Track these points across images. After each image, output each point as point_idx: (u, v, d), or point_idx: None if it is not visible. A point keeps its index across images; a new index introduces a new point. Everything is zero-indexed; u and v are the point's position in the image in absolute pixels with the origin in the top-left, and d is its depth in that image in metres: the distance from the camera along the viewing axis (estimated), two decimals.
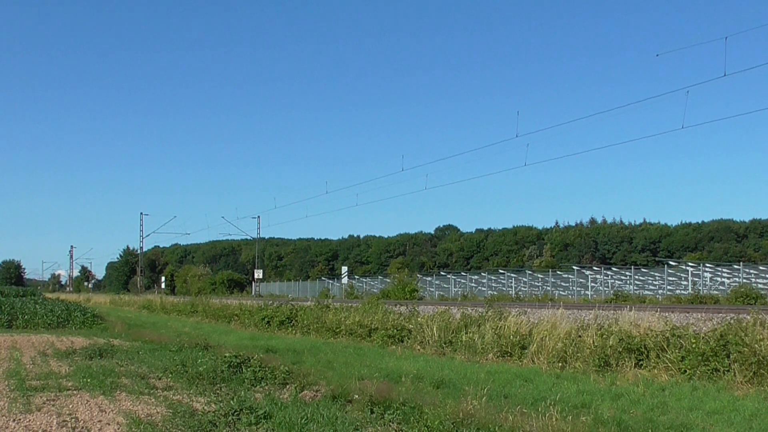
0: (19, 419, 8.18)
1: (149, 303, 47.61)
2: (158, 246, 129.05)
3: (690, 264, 48.84)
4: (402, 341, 17.77)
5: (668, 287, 44.79)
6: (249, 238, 77.73)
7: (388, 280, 52.73)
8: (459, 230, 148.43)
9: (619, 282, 50.67)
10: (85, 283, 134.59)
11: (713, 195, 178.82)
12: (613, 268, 57.99)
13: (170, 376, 11.81)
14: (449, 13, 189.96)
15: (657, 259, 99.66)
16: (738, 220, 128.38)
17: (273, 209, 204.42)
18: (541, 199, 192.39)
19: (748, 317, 12.15)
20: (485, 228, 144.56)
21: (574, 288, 49.01)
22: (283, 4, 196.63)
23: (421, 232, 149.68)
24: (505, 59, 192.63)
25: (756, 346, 10.85)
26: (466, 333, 15.95)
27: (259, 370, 11.46)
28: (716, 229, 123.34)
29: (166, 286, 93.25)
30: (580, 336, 13.72)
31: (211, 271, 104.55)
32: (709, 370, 11.22)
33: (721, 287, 43.14)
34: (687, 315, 14.73)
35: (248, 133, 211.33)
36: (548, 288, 50.69)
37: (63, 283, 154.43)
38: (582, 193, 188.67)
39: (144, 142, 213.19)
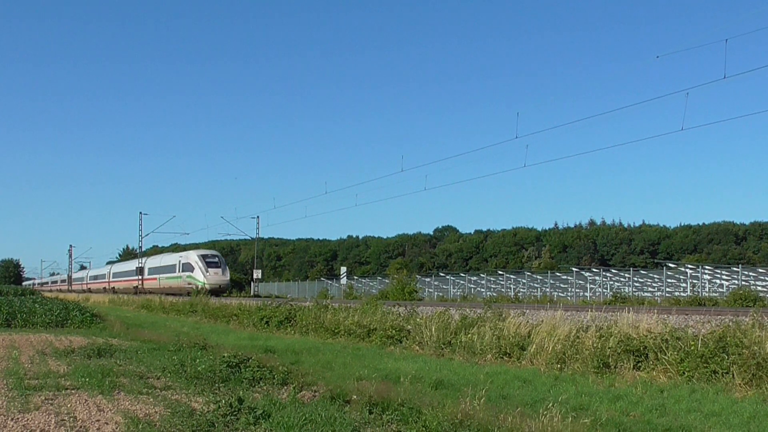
0: (18, 418, 8.17)
1: (148, 302, 47.52)
2: (157, 245, 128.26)
3: (689, 266, 48.81)
4: (401, 342, 17.76)
5: (667, 289, 44.77)
6: (248, 238, 77.49)
7: (387, 281, 52.68)
8: (458, 231, 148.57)
9: (618, 284, 50.65)
10: None
11: (713, 197, 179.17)
12: (612, 270, 57.98)
13: (169, 375, 11.79)
14: (449, 14, 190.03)
15: (656, 261, 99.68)
16: (737, 223, 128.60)
17: (272, 209, 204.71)
18: (540, 200, 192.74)
19: (747, 319, 12.16)
20: (484, 229, 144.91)
21: (573, 289, 48.98)
22: (281, 8, 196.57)
23: (420, 232, 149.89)
24: (505, 60, 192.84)
25: (755, 348, 10.85)
26: (465, 334, 15.93)
27: (257, 370, 11.43)
28: (715, 231, 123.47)
29: None
30: (578, 337, 13.71)
31: None
32: (707, 372, 11.21)
33: (720, 289, 43.13)
34: (686, 317, 14.73)
35: (248, 133, 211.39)
36: (547, 289, 50.68)
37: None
38: (581, 194, 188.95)
39: (143, 141, 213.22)
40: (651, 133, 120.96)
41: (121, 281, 76.64)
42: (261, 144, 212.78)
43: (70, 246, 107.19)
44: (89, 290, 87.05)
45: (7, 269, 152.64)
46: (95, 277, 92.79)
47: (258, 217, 65.96)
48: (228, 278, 56.49)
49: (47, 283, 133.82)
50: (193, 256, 56.76)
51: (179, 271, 58.13)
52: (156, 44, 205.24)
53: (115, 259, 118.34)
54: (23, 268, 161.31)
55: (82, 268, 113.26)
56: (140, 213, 72.34)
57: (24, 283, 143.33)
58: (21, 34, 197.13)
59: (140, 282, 68.21)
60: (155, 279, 64.67)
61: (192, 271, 55.53)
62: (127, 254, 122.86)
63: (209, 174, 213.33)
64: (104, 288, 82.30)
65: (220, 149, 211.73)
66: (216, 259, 56.52)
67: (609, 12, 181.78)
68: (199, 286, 51.91)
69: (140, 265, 70.15)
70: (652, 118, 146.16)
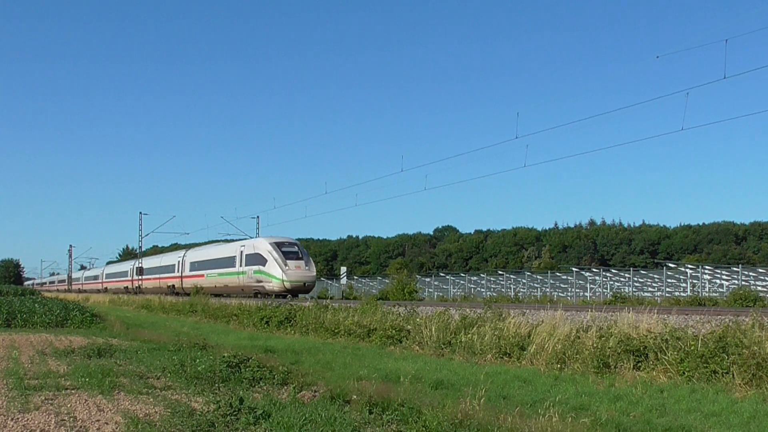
0: (18, 418, 8.17)
1: (148, 302, 47.50)
2: (157, 246, 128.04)
3: (689, 266, 48.82)
4: (400, 342, 17.75)
5: (667, 289, 44.79)
6: (248, 238, 77.43)
7: (387, 281, 52.64)
8: (458, 231, 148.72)
9: (618, 284, 50.69)
10: None
11: (713, 197, 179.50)
12: (612, 270, 58.02)
13: (169, 375, 11.79)
14: (450, 15, 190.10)
15: (656, 261, 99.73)
16: (738, 223, 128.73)
17: (272, 209, 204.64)
18: (540, 200, 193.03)
19: (747, 319, 12.15)
20: (484, 229, 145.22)
21: (573, 289, 49.00)
22: (281, 8, 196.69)
23: (420, 232, 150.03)
24: (506, 61, 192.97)
25: (755, 348, 10.84)
26: (465, 334, 15.91)
27: (257, 370, 11.43)
28: (715, 231, 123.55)
29: None
30: (579, 337, 13.70)
31: None
32: (707, 371, 11.21)
33: (720, 289, 43.14)
34: (686, 317, 14.71)
35: (248, 133, 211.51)
36: (547, 289, 50.71)
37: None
38: (581, 194, 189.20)
39: (143, 141, 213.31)
40: (651, 133, 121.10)
41: (150, 279, 63.29)
42: (261, 144, 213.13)
43: (70, 246, 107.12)
44: (106, 290, 78.28)
45: (7, 269, 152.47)
46: (113, 275, 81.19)
47: (258, 217, 65.75)
48: (314, 273, 42.17)
49: (54, 282, 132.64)
50: (264, 245, 41.69)
51: (241, 264, 43.68)
52: (156, 44, 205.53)
53: (115, 259, 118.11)
54: (23, 268, 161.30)
55: (82, 268, 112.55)
56: (140, 213, 72.16)
57: (26, 283, 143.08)
58: (21, 34, 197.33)
59: (183, 280, 55.55)
60: (201, 276, 50.72)
61: (264, 265, 40.75)
62: (127, 254, 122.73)
63: (209, 174, 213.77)
64: (126, 288, 71.00)
65: (220, 149, 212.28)
66: (296, 248, 41.61)
67: (609, 12, 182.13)
68: (275, 285, 39.53)
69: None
70: (652, 118, 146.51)
